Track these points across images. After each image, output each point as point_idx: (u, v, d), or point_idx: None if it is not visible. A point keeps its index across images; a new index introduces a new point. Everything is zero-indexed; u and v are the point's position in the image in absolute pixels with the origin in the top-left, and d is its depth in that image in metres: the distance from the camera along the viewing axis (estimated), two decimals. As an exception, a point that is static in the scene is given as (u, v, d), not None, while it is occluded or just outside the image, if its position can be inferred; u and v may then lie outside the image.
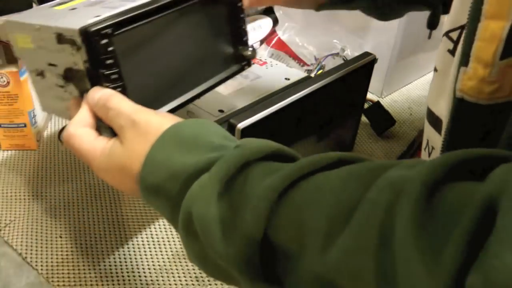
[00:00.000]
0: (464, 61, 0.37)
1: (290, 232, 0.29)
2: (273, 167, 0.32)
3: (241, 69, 0.55)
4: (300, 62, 0.92)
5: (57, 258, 0.54)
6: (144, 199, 0.37)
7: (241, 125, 0.50)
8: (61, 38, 0.42)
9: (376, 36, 0.84)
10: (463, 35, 0.38)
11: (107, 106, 0.40)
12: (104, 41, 0.41)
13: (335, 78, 0.60)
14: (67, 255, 0.55)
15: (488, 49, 0.36)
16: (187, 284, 0.53)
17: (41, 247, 0.56)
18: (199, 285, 0.53)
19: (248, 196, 0.31)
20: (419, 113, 0.85)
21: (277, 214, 0.30)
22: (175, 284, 0.53)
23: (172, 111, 0.49)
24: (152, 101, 0.46)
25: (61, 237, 0.57)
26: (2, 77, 0.64)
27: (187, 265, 0.55)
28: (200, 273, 0.54)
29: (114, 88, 0.42)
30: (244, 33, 0.54)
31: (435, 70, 0.44)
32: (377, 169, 0.28)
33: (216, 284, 0.53)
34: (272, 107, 0.53)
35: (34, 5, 0.63)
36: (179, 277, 0.54)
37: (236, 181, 0.32)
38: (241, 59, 0.55)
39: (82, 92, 0.44)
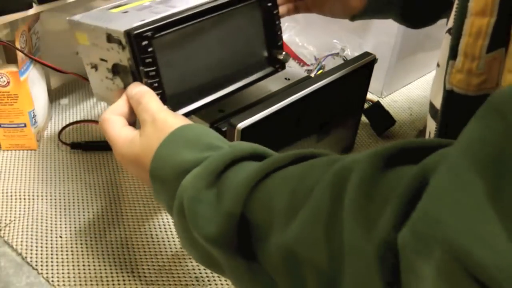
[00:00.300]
0: (453, 55, 0.40)
1: (262, 214, 0.33)
2: (255, 164, 0.37)
3: (275, 71, 0.59)
4: (300, 62, 0.92)
5: (57, 258, 0.55)
6: (152, 190, 0.42)
7: (241, 125, 0.50)
8: (110, 38, 0.48)
9: (376, 36, 0.84)
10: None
11: (139, 101, 0.46)
12: (145, 42, 0.46)
13: (335, 78, 0.60)
14: (67, 255, 0.55)
15: (474, 43, 0.38)
16: (187, 284, 0.53)
17: (41, 247, 0.56)
18: (199, 285, 0.53)
19: (231, 185, 0.35)
20: (419, 113, 0.85)
21: (252, 199, 0.34)
22: (175, 284, 0.53)
23: (206, 106, 0.54)
24: (186, 96, 0.52)
25: (61, 237, 0.57)
26: (2, 77, 0.64)
27: (187, 265, 0.55)
28: (200, 273, 0.54)
29: (151, 83, 0.48)
30: (279, 38, 0.58)
31: (438, 65, 0.45)
32: (339, 159, 0.32)
33: (216, 284, 0.53)
34: (272, 107, 0.53)
35: (34, 5, 0.62)
36: (179, 277, 0.54)
37: (223, 175, 0.37)
38: (275, 62, 0.59)
39: (126, 85, 0.49)
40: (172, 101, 0.50)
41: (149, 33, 0.47)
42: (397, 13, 0.66)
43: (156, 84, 0.48)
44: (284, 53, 0.58)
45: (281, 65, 0.59)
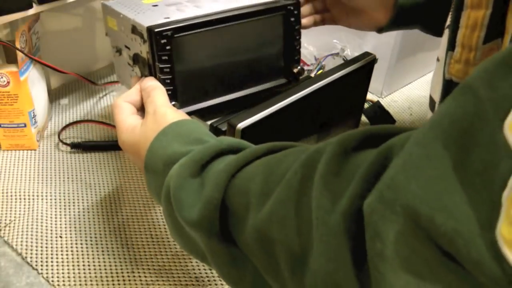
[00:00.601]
0: (451, 46, 0.41)
1: (239, 199, 0.35)
2: (235, 155, 0.38)
3: (288, 83, 0.61)
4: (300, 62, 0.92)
5: (57, 258, 0.55)
6: (145, 182, 0.44)
7: (241, 125, 0.50)
8: (134, 29, 0.53)
9: (376, 36, 0.84)
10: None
11: (149, 94, 0.49)
12: (163, 40, 0.49)
13: (335, 78, 0.60)
14: (67, 255, 0.55)
15: (471, 35, 0.39)
16: (187, 284, 0.53)
17: (41, 247, 0.56)
18: (199, 285, 0.53)
19: (213, 173, 0.37)
20: (419, 113, 0.85)
21: (231, 186, 0.36)
22: (175, 284, 0.53)
23: (215, 107, 0.56)
24: (197, 96, 0.55)
25: (61, 237, 0.57)
26: (2, 77, 0.64)
27: (187, 265, 0.55)
28: (200, 273, 0.54)
29: (164, 79, 0.51)
30: (298, 52, 0.60)
31: (437, 60, 0.46)
32: (313, 147, 0.32)
33: (216, 285, 0.53)
34: (272, 107, 0.53)
35: (34, 5, 0.62)
36: (179, 277, 0.54)
37: (208, 166, 0.39)
38: (290, 75, 0.60)
39: (143, 75, 0.54)
40: (182, 99, 0.52)
41: (169, 32, 0.49)
42: (422, 24, 0.67)
43: (168, 81, 0.51)
44: (299, 67, 0.59)
45: (295, 79, 0.60)
